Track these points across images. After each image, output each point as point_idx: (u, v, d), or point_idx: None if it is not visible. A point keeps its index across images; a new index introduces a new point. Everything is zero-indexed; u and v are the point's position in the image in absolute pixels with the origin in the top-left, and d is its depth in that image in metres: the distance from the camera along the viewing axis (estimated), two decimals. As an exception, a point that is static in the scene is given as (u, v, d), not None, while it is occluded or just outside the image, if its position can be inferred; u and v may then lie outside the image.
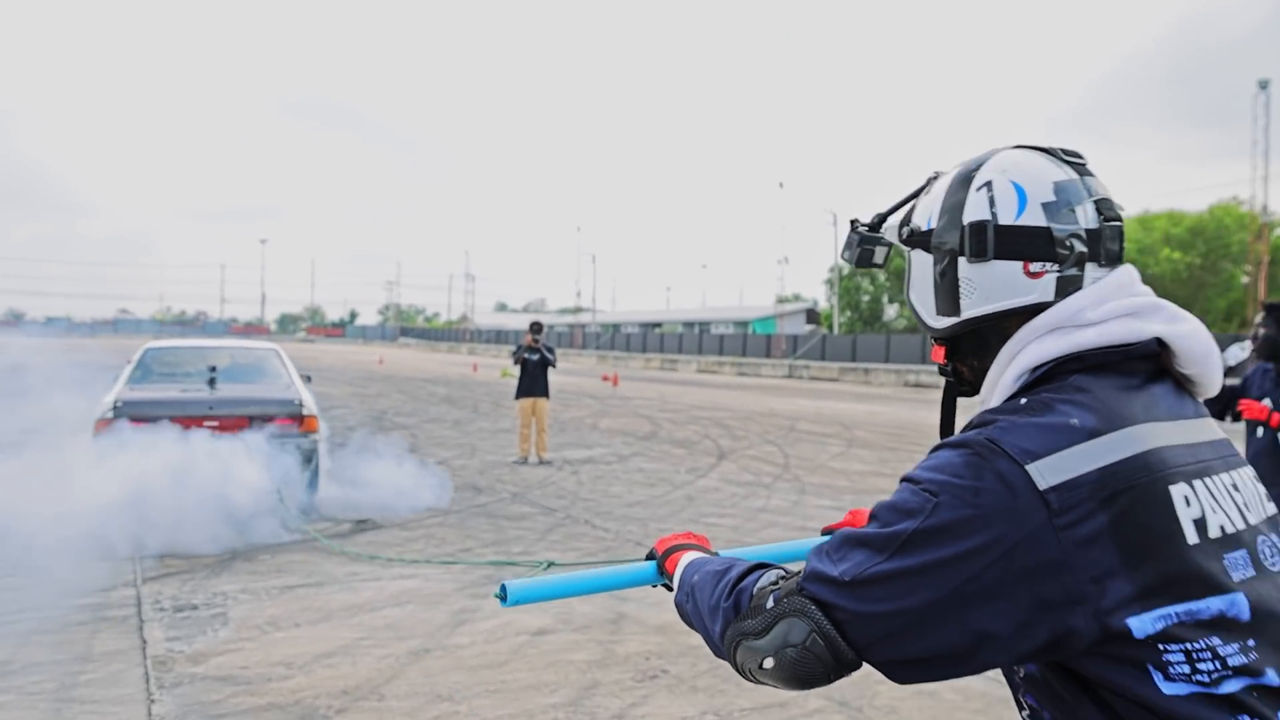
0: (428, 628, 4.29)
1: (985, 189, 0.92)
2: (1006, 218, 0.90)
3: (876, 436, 13.06)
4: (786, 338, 40.42)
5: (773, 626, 0.86)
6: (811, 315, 62.66)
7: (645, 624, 4.44)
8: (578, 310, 78.44)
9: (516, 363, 10.48)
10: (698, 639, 3.76)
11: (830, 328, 49.82)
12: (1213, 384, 0.90)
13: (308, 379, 7.45)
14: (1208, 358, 0.88)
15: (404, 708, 3.36)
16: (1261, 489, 0.89)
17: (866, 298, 52.26)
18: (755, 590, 0.91)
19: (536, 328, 10.53)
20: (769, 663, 0.87)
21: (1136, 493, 0.77)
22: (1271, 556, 0.82)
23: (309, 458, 6.50)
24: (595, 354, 51.17)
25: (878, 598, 0.80)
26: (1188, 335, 0.87)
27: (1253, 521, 0.84)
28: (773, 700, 3.49)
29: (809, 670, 0.84)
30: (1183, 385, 0.90)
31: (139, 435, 5.71)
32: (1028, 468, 0.77)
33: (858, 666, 0.84)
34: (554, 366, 10.50)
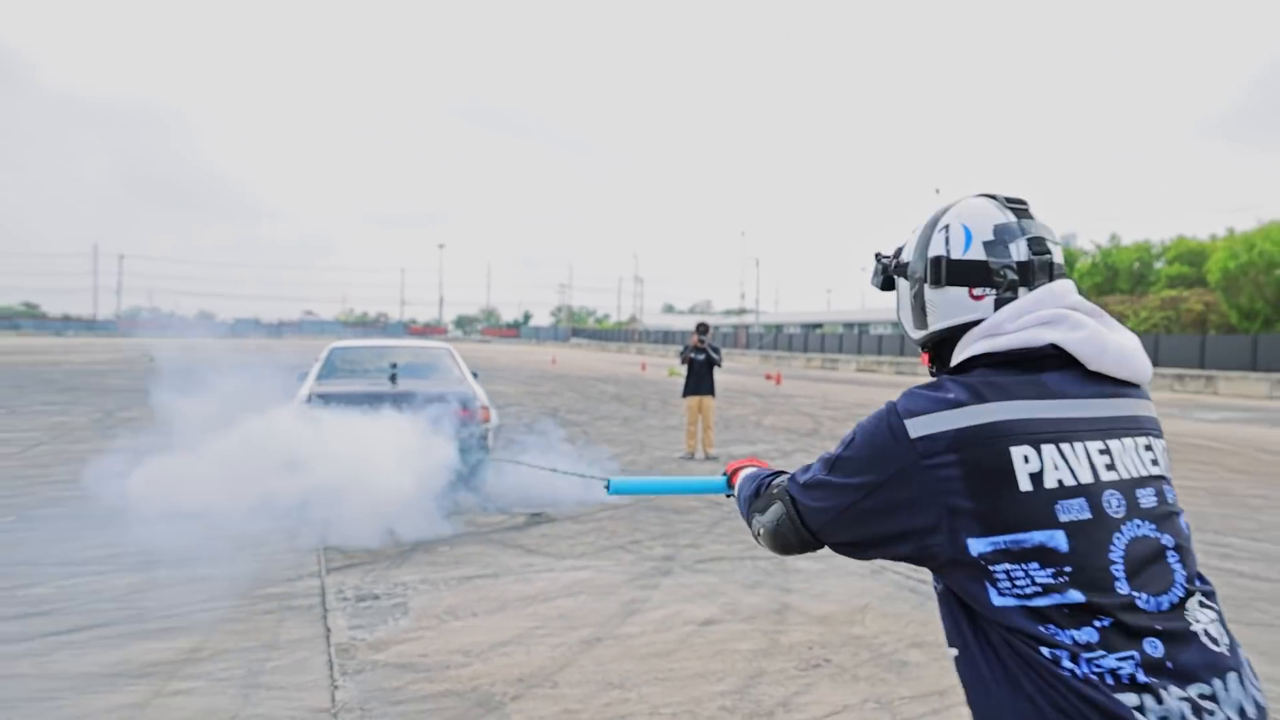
0: (599, 617, 4.34)
1: (944, 230, 1.19)
2: (956, 253, 1.16)
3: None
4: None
5: (768, 508, 1.27)
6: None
7: (809, 614, 4.48)
8: (741, 311, 78.30)
9: (683, 362, 10.56)
10: (859, 629, 4.25)
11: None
12: (1123, 372, 1.13)
13: (475, 375, 7.85)
14: (1102, 355, 1.12)
15: (576, 695, 3.39)
16: (1147, 455, 1.11)
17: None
18: (767, 485, 1.32)
19: (703, 328, 10.60)
20: (763, 531, 1.28)
21: (980, 449, 1.02)
22: (1116, 506, 1.05)
23: (482, 447, 6.83)
24: (759, 354, 50.86)
25: (815, 498, 1.17)
26: (1079, 340, 1.11)
27: (1109, 478, 1.06)
28: (932, 689, 3.50)
29: (785, 540, 1.24)
30: (1121, 382, 1.14)
31: (331, 419, 6.10)
32: (906, 421, 1.07)
33: (818, 545, 1.20)
34: (719, 366, 10.49)
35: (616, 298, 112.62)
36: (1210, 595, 1.10)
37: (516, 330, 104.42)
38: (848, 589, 4.93)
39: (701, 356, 10.41)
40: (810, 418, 15.12)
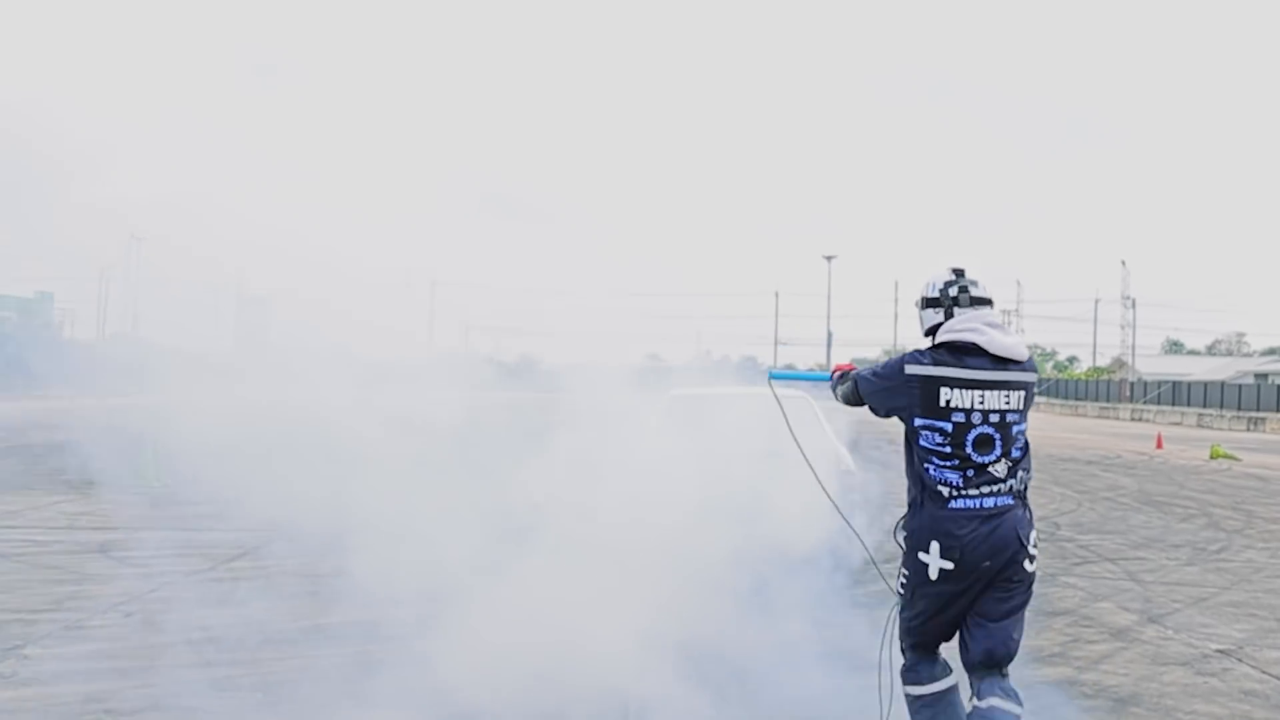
0: None
1: (928, 284, 4.07)
2: (928, 294, 4.04)
3: None
4: None
5: (843, 383, 4.29)
6: None
7: None
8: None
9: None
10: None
11: None
12: (1008, 355, 3.84)
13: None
14: (994, 347, 3.81)
15: None
16: (1005, 400, 3.80)
17: None
18: (847, 376, 4.28)
19: None
20: (839, 391, 4.31)
21: (928, 384, 3.81)
22: (976, 419, 3.77)
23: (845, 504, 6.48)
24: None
25: (866, 385, 4.10)
26: (985, 342, 3.81)
27: (979, 407, 3.78)
28: None
29: (849, 398, 4.25)
30: (1005, 359, 3.84)
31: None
32: (905, 365, 3.90)
33: (862, 404, 4.18)
34: None
35: (1092, 330, 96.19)
36: (1017, 460, 3.82)
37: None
38: None
39: None
40: None
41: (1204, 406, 52.68)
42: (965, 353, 3.78)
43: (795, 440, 4.68)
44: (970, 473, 3.73)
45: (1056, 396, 71.65)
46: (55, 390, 24.77)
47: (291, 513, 10.15)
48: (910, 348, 4.00)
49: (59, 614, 6.58)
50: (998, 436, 3.75)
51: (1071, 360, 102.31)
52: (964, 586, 3.73)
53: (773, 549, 6.13)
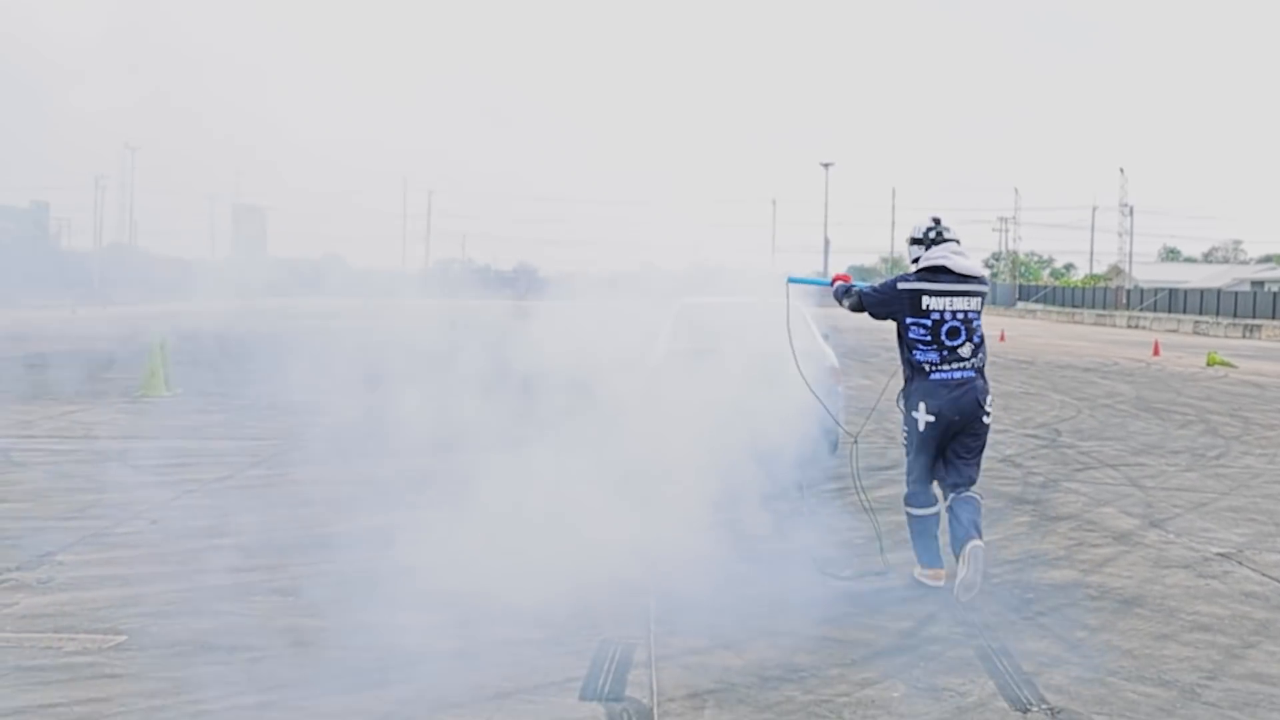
0: None
1: (915, 227, 5.80)
2: (914, 235, 5.77)
3: None
4: None
5: (849, 297, 5.96)
6: None
7: None
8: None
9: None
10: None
11: None
12: (969, 273, 5.59)
13: (826, 336, 9.80)
14: (962, 268, 5.56)
15: None
16: (966, 305, 5.56)
17: None
18: (852, 290, 5.97)
19: None
20: (846, 302, 5.97)
21: (914, 295, 5.56)
22: (947, 316, 5.51)
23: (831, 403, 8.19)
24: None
25: (868, 296, 5.82)
26: (952, 264, 5.54)
27: (949, 309, 5.52)
28: None
29: (855, 306, 5.91)
30: (966, 276, 5.59)
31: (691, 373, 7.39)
32: (897, 281, 5.70)
33: (864, 311, 5.87)
34: None
35: (1089, 238, 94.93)
36: (977, 345, 5.57)
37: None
38: None
39: None
40: None
41: (1200, 314, 52.77)
42: (939, 273, 5.55)
43: (790, 344, 6.20)
44: (945, 354, 5.51)
45: (1053, 304, 71.68)
46: (55, 300, 24.72)
47: (304, 421, 10.30)
48: (906, 254, 5.83)
49: (85, 521, 6.69)
50: (963, 329, 5.52)
51: (1068, 267, 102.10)
52: (940, 433, 5.54)
53: (768, 437, 6.80)
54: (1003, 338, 33.41)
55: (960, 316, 5.52)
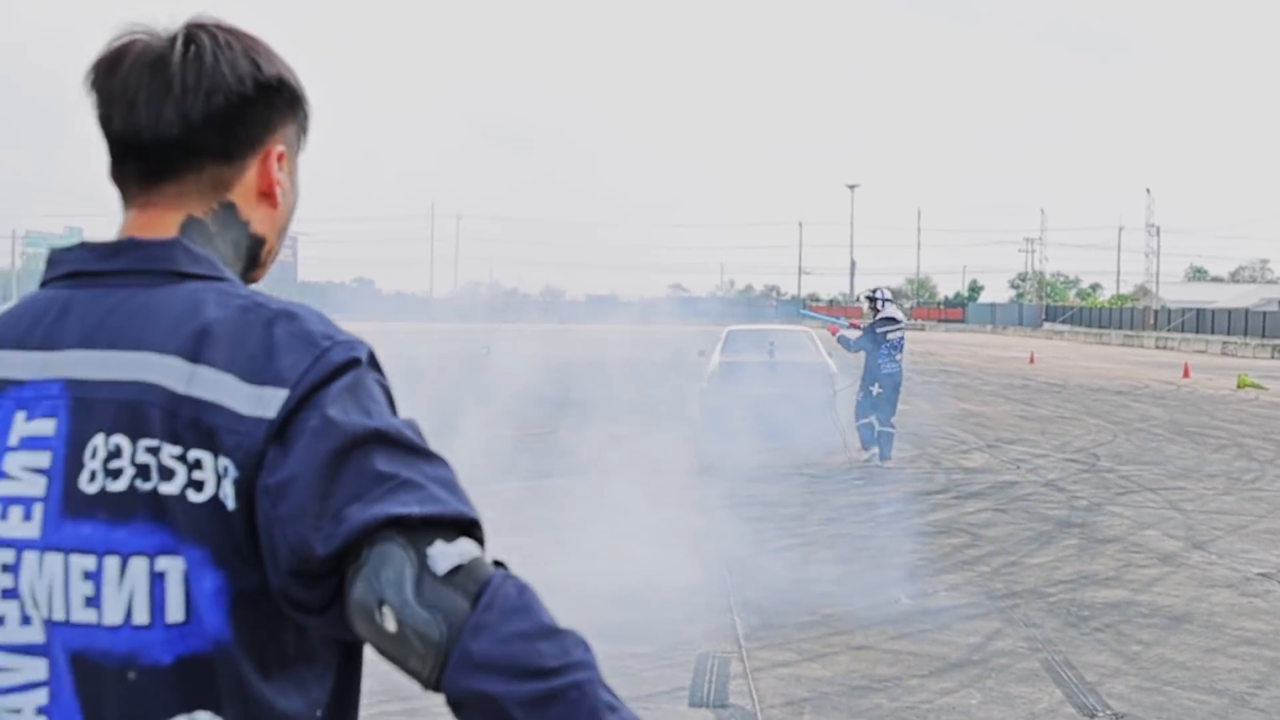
0: None
1: (875, 290, 12.45)
2: (871, 296, 12.31)
3: None
4: None
5: (849, 345, 12.53)
6: None
7: None
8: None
9: None
10: None
11: None
12: (903, 319, 12.22)
13: (830, 353, 13.70)
14: (900, 316, 12.15)
15: None
16: (903, 334, 12.00)
17: None
18: (850, 341, 12.45)
19: None
20: (850, 350, 12.41)
21: (881, 335, 11.81)
22: (894, 340, 12.05)
23: (830, 402, 12.97)
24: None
25: (859, 341, 12.18)
26: (895, 315, 11.95)
27: (895, 336, 11.92)
28: None
29: (850, 350, 12.51)
30: (899, 320, 12.38)
31: (736, 373, 12.98)
32: (875, 327, 11.87)
33: (862, 349, 12.18)
34: None
35: (1115, 258, 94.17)
36: (900, 350, 11.99)
37: (960, 310, 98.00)
38: None
39: None
40: None
41: (1228, 334, 52.65)
42: (889, 320, 11.34)
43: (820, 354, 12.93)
44: (891, 358, 11.15)
45: (1080, 324, 71.56)
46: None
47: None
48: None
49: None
50: (899, 345, 11.32)
51: (1095, 288, 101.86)
52: (878, 396, 11.10)
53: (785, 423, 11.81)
54: (1032, 360, 33.68)
55: (898, 339, 11.46)
